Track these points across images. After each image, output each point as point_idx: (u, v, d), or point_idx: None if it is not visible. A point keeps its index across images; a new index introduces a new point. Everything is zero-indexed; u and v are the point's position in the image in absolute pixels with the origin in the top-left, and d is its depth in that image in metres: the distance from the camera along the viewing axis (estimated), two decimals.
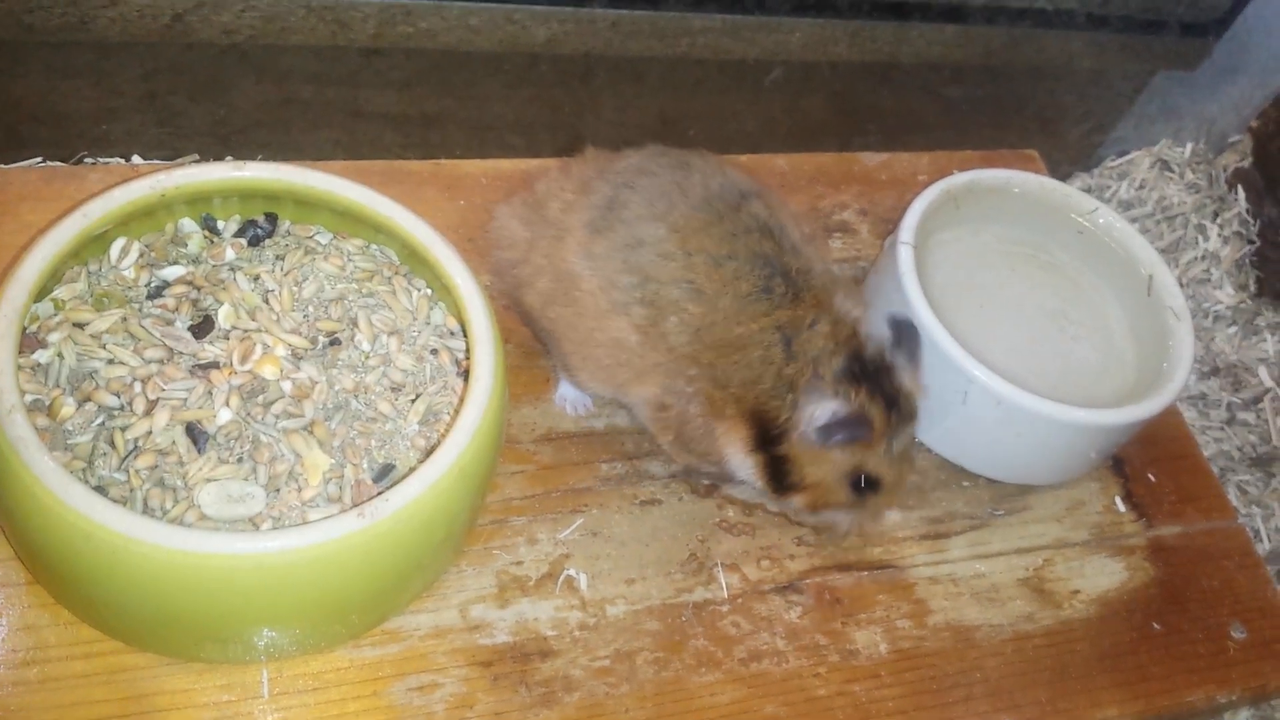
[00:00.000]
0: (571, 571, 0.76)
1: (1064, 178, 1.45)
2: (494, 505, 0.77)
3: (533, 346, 0.86)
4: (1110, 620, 0.83)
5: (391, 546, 0.63)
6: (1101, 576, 0.85)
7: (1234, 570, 0.89)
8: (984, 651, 0.79)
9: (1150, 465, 0.92)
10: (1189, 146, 1.48)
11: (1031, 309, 0.94)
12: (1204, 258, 1.37)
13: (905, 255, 0.86)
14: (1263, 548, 1.13)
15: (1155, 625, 0.84)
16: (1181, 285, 0.93)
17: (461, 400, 0.69)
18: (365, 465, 0.69)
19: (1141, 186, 1.43)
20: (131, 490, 0.64)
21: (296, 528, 0.61)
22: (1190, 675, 0.82)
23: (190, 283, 0.73)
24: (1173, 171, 1.45)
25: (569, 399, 0.84)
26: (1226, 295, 1.34)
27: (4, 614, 0.66)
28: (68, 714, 0.64)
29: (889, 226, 1.01)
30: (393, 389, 0.72)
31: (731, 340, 0.72)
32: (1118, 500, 0.90)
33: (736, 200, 0.75)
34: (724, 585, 0.78)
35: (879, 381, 0.72)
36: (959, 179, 0.93)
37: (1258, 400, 1.25)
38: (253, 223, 0.77)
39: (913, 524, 0.84)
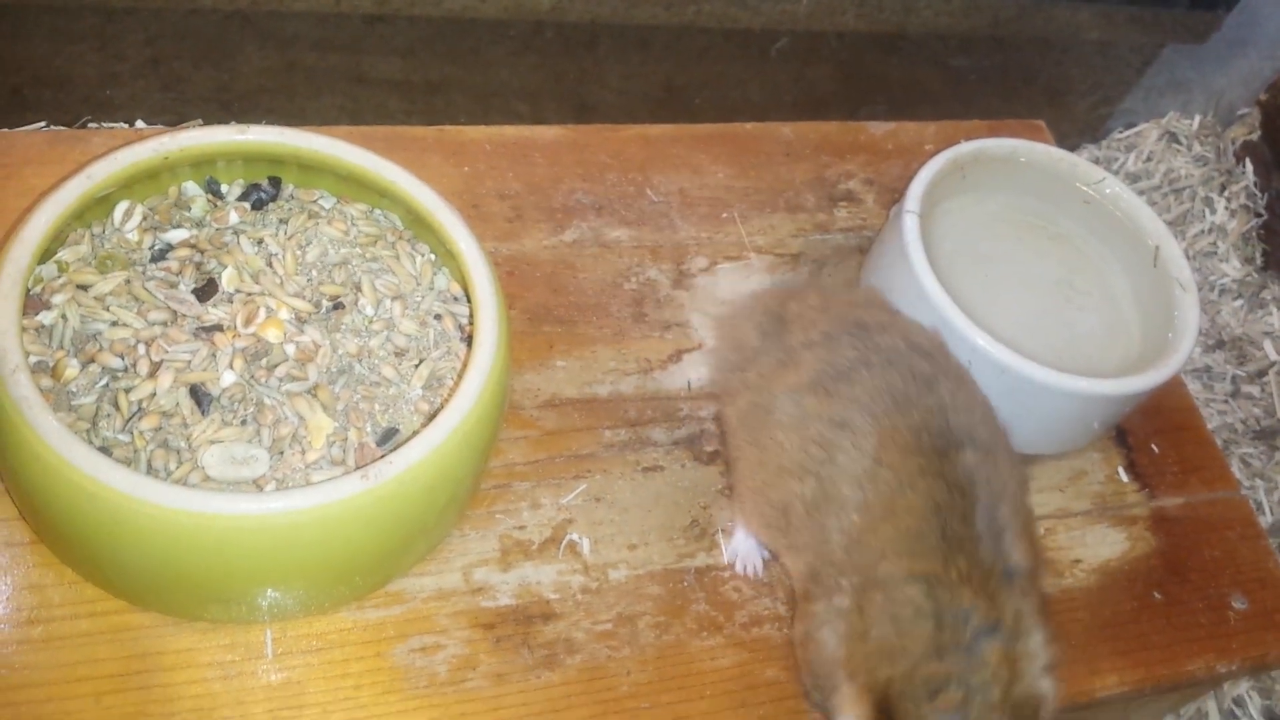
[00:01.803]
0: (574, 536, 0.76)
1: (1071, 149, 1.44)
2: (497, 470, 0.77)
3: (537, 313, 0.86)
4: (1111, 589, 0.83)
5: (394, 509, 0.64)
6: (1103, 546, 0.85)
7: (1236, 541, 0.89)
8: None
9: (1154, 436, 0.92)
10: (1197, 119, 1.47)
11: (1037, 279, 0.93)
12: (1210, 231, 1.37)
13: (911, 224, 0.85)
14: (1265, 520, 1.13)
15: (1156, 595, 0.84)
16: (1188, 258, 0.92)
17: (465, 365, 0.69)
18: (369, 429, 0.69)
19: (1149, 159, 1.42)
20: (135, 451, 0.65)
21: (300, 489, 0.61)
22: (1191, 645, 0.82)
23: (194, 246, 0.73)
24: (1180, 144, 1.44)
25: (740, 554, 0.78)
26: (1233, 268, 1.34)
27: (8, 573, 0.66)
28: (71, 672, 0.64)
29: (895, 196, 1.00)
30: (396, 354, 0.72)
31: (876, 573, 0.64)
32: (1120, 470, 0.90)
33: (947, 445, 0.66)
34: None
35: None
36: (965, 148, 0.93)
37: (1262, 374, 1.25)
38: (256, 186, 0.77)
39: None
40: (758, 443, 0.72)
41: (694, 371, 0.86)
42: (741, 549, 0.78)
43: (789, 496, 0.69)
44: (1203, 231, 1.37)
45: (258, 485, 0.65)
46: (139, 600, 0.66)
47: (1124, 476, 0.89)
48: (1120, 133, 1.46)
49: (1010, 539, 0.64)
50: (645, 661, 0.72)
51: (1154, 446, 0.92)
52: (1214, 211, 1.38)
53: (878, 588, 0.63)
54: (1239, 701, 1.04)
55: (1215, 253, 1.35)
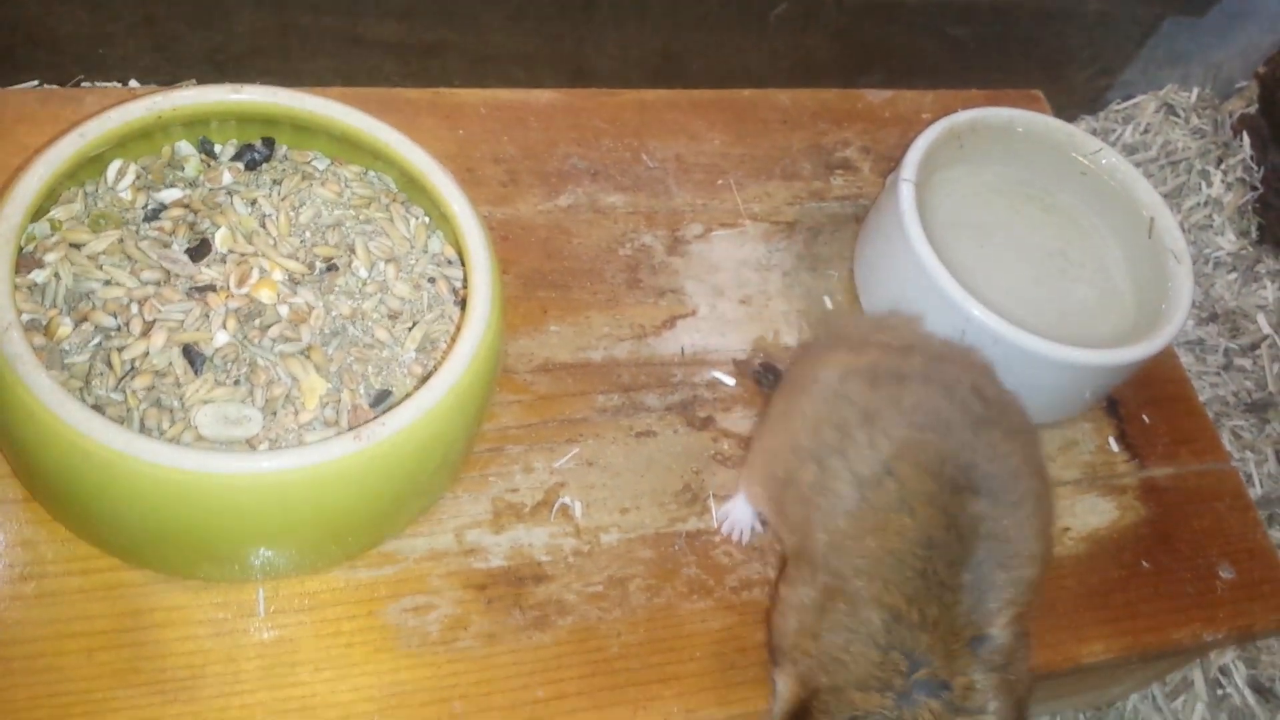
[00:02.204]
0: (566, 499, 0.76)
1: (1069, 120, 1.43)
2: (490, 434, 0.77)
3: (531, 278, 0.86)
4: (1100, 558, 0.84)
5: (387, 470, 0.64)
6: (1092, 515, 0.86)
7: (1225, 512, 0.89)
8: None
9: (1145, 407, 0.92)
10: (1195, 91, 1.47)
11: (1032, 249, 0.93)
12: (1206, 203, 1.37)
13: (907, 192, 0.85)
14: (1255, 492, 1.14)
15: (1144, 564, 0.84)
16: (1183, 230, 0.92)
17: (458, 328, 0.69)
18: (362, 390, 0.69)
19: (1146, 131, 1.42)
20: (129, 410, 0.65)
21: (293, 449, 0.61)
22: (1178, 614, 0.83)
23: (187, 206, 0.73)
24: (1178, 116, 1.44)
25: (732, 518, 0.77)
26: (1228, 241, 1.34)
27: (1, 530, 0.66)
28: (64, 628, 0.64)
29: (892, 165, 1.00)
30: (390, 316, 0.72)
31: (847, 584, 0.63)
32: (1111, 440, 0.90)
33: (965, 485, 0.63)
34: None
35: None
36: (962, 117, 0.93)
37: (1255, 346, 1.25)
38: (250, 147, 0.77)
39: None
40: (787, 410, 0.70)
41: (688, 338, 0.86)
42: (735, 514, 0.78)
43: (794, 472, 0.67)
44: (1198, 204, 1.37)
45: (251, 445, 0.65)
46: (132, 558, 0.66)
47: (1114, 446, 0.90)
48: (1118, 105, 1.46)
49: (994, 607, 0.61)
50: (636, 623, 0.73)
51: (1145, 417, 0.92)
52: (1210, 184, 1.38)
53: (844, 598, 0.62)
54: (1225, 671, 1.05)
55: (1211, 226, 1.35)
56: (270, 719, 0.64)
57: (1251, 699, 1.04)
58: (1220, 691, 1.04)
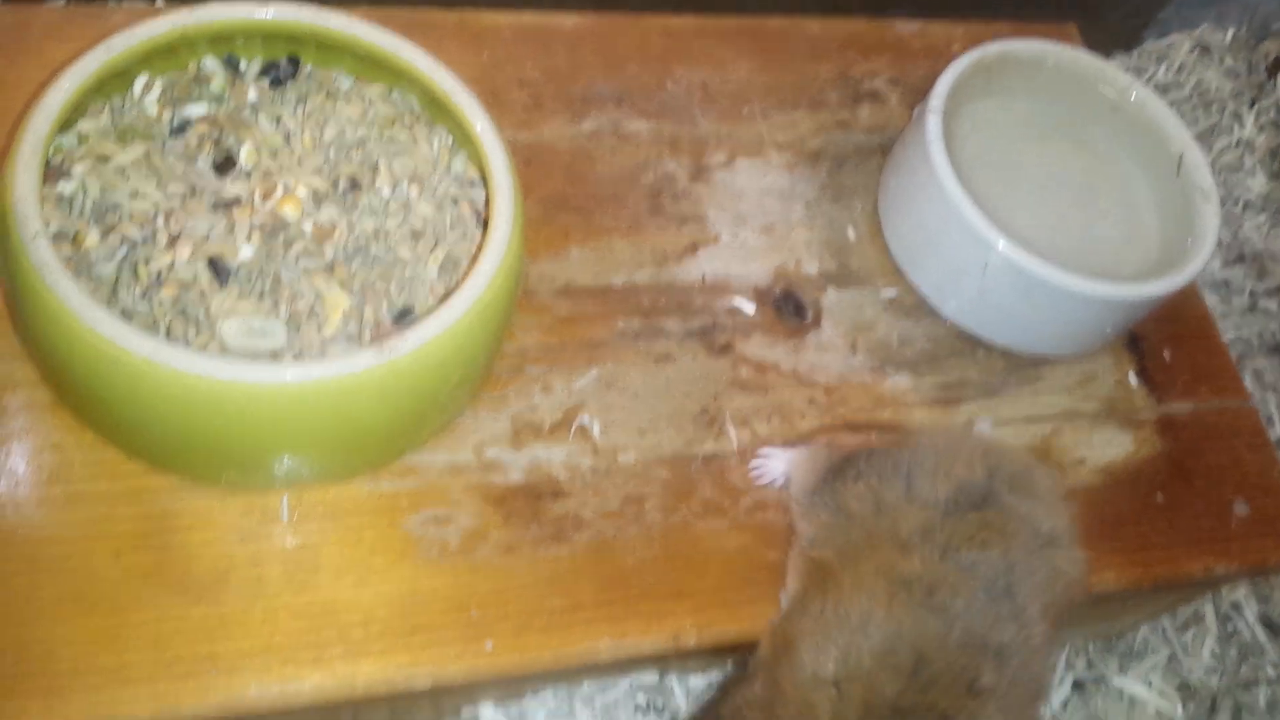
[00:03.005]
0: (585, 420, 0.77)
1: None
2: (510, 354, 0.78)
3: (554, 202, 0.86)
4: (1114, 490, 0.84)
5: (408, 384, 0.65)
6: (1109, 448, 0.86)
7: (1243, 449, 0.89)
8: None
9: (1166, 343, 0.92)
10: (1230, 32, 1.44)
11: (1059, 184, 0.93)
12: (1238, 145, 1.35)
13: (934, 124, 0.85)
14: (1274, 433, 1.14)
15: (1159, 497, 0.85)
16: (1213, 171, 0.91)
17: (480, 248, 0.70)
18: (384, 307, 0.70)
19: (1180, 70, 1.40)
20: (155, 320, 0.66)
21: (316, 361, 0.62)
22: (1190, 547, 0.83)
23: (212, 121, 0.73)
24: (1212, 57, 1.42)
25: (767, 465, 0.78)
26: (1258, 183, 1.32)
27: (30, 434, 0.68)
28: (92, 530, 0.66)
29: (920, 96, 0.99)
30: (413, 235, 0.73)
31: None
32: (1131, 375, 0.90)
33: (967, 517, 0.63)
34: (734, 439, 0.79)
35: None
36: (992, 49, 0.92)
37: None
38: (275, 64, 0.77)
39: (924, 390, 0.84)
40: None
41: (709, 265, 0.86)
42: (771, 465, 0.78)
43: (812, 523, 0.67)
44: (1230, 145, 1.35)
45: (275, 358, 0.66)
46: (158, 463, 0.68)
47: (1134, 381, 0.90)
48: (1152, 43, 1.44)
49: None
50: (651, 540, 0.74)
51: (1166, 354, 0.92)
52: (1242, 126, 1.36)
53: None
54: (1236, 606, 1.05)
55: (1241, 167, 1.34)
56: (293, 621, 0.66)
57: (1262, 635, 1.05)
58: (1230, 626, 1.05)
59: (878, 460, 0.68)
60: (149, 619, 0.64)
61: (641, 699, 0.84)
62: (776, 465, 0.78)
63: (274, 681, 0.65)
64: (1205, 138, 1.35)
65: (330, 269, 0.69)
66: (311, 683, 0.65)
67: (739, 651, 0.80)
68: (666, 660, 0.81)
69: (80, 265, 0.66)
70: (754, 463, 0.78)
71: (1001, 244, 0.80)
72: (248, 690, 0.64)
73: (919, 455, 0.67)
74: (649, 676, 0.84)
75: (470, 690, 0.78)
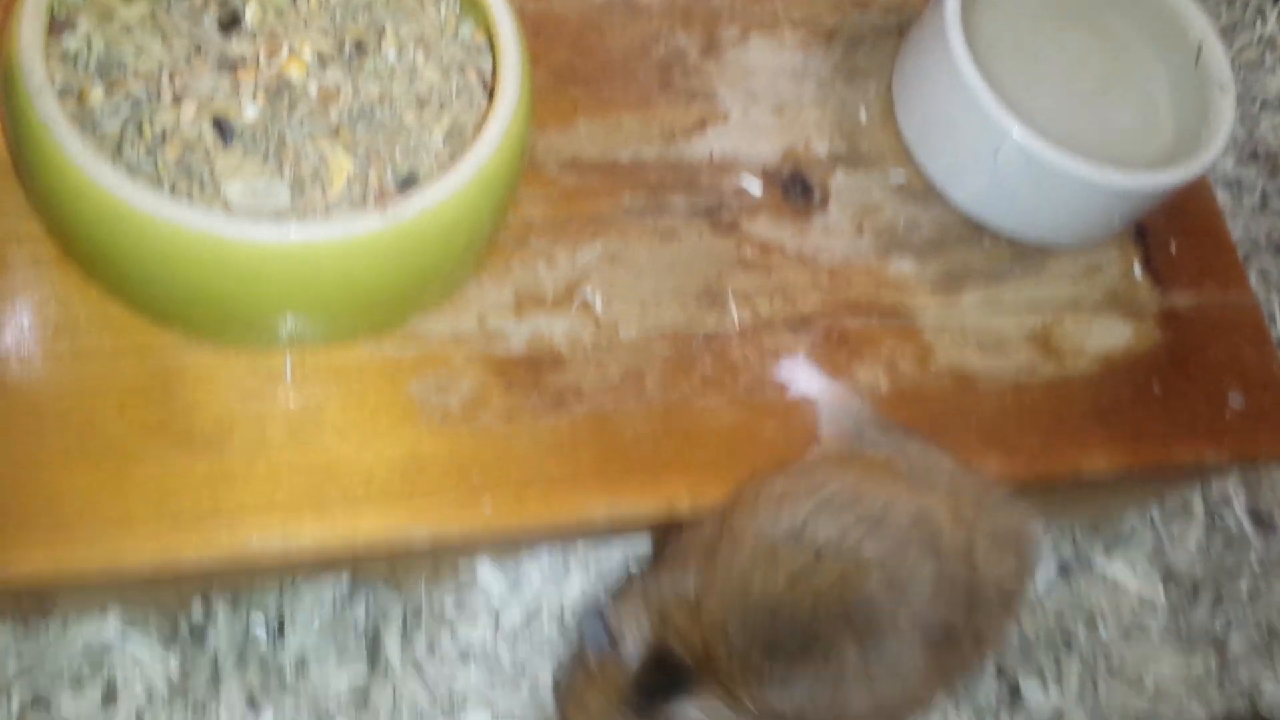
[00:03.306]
0: (588, 293, 0.77)
1: None
2: (515, 225, 0.78)
3: (562, 74, 0.85)
4: (1111, 379, 0.85)
5: (411, 249, 0.65)
6: (1109, 337, 0.86)
7: (1242, 343, 0.90)
8: (983, 397, 0.81)
9: (1174, 236, 0.92)
10: None
11: (1075, 72, 0.91)
12: (1260, 41, 1.32)
13: (952, 6, 0.83)
14: (1276, 332, 1.14)
15: (1156, 387, 0.85)
16: (1233, 67, 0.90)
17: (486, 114, 0.69)
18: (389, 173, 0.70)
19: None
20: (159, 178, 0.66)
21: (321, 221, 0.62)
22: (1183, 436, 0.84)
23: None
24: None
25: (802, 378, 0.79)
26: (1277, 82, 1.30)
27: (35, 289, 0.69)
28: (95, 384, 0.67)
29: None
30: (418, 101, 0.72)
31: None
32: (1136, 266, 0.90)
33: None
34: (736, 319, 0.80)
35: None
36: None
37: None
38: None
39: (928, 275, 0.85)
40: None
41: (717, 143, 0.85)
42: (799, 379, 0.79)
43: None
44: (1251, 42, 1.33)
45: (279, 219, 0.66)
46: (163, 319, 0.68)
47: (1139, 273, 0.90)
48: None
49: None
50: (650, 414, 0.75)
51: (1173, 247, 0.92)
52: (1265, 22, 1.33)
53: None
54: (1225, 498, 1.07)
55: (1262, 64, 1.31)
56: (296, 477, 0.67)
57: (1249, 527, 1.07)
58: (1218, 518, 1.07)
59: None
60: (153, 472, 0.66)
61: (634, 568, 0.86)
62: (805, 382, 0.78)
63: (276, 533, 0.66)
64: (1226, 33, 1.33)
65: (335, 132, 0.69)
66: (312, 535, 0.67)
67: None
68: (660, 525, 0.83)
69: (85, 121, 0.66)
70: (783, 366, 0.79)
71: (1015, 130, 0.79)
72: (250, 541, 0.66)
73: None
74: (643, 545, 0.86)
75: (468, 549, 0.80)
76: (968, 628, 0.70)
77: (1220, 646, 1.02)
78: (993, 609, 0.72)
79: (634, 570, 0.85)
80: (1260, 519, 1.08)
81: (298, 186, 0.67)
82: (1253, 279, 1.15)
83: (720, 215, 0.83)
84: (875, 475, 0.70)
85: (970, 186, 0.85)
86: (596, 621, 0.69)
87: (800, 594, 0.65)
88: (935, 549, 0.67)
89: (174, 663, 0.80)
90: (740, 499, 0.70)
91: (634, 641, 0.68)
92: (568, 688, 0.74)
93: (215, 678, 0.80)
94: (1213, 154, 0.83)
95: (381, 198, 0.68)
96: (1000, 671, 0.95)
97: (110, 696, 0.79)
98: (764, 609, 0.65)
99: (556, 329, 0.76)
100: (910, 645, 0.68)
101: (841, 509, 0.67)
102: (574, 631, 0.82)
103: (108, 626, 0.80)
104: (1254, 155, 1.25)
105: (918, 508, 0.68)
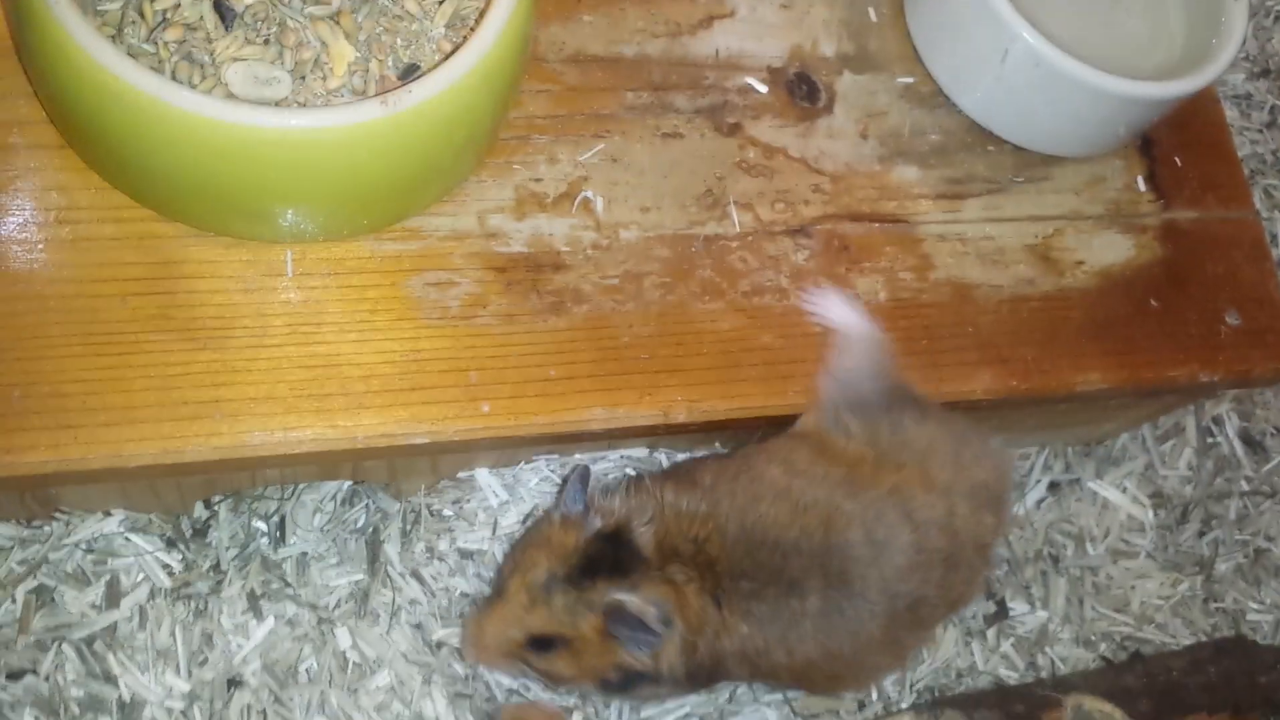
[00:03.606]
0: (589, 194, 0.77)
1: None
2: (517, 121, 0.77)
3: None
4: (1109, 293, 0.85)
5: (412, 140, 0.64)
6: (1108, 251, 0.86)
7: (1242, 260, 0.89)
8: (980, 309, 0.81)
9: (1179, 150, 0.91)
10: None
11: None
12: None
13: None
14: (1276, 252, 1.14)
15: (1153, 302, 0.85)
16: None
17: (488, 4, 0.68)
18: (390, 62, 0.69)
19: None
20: (160, 61, 0.65)
21: (321, 109, 0.62)
22: (1178, 353, 0.85)
23: None
24: None
25: (835, 303, 0.79)
26: None
27: (36, 175, 0.68)
28: (97, 273, 0.67)
29: None
30: None
31: None
32: (1139, 180, 0.89)
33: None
34: (736, 222, 0.79)
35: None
36: None
37: None
38: None
39: (930, 182, 0.84)
40: None
41: (723, 40, 0.84)
42: (829, 307, 0.78)
43: None
44: None
45: (280, 106, 0.65)
46: (165, 209, 0.68)
47: (1142, 186, 0.89)
48: None
49: None
50: (648, 317, 0.75)
51: (1177, 160, 0.91)
52: None
53: None
54: (1217, 420, 1.07)
55: None
56: (296, 371, 0.68)
57: (1240, 450, 1.07)
58: (1210, 440, 1.07)
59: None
60: (155, 362, 0.66)
61: (631, 470, 0.87)
62: (834, 309, 0.78)
63: (277, 428, 0.67)
64: None
65: (336, 18, 0.68)
66: (313, 431, 0.67)
67: (727, 430, 0.83)
68: (657, 435, 0.83)
69: (85, 3, 0.65)
70: (812, 295, 0.78)
71: (1023, 33, 0.78)
72: (251, 435, 0.67)
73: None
74: (639, 450, 0.86)
75: (467, 453, 0.81)
76: (942, 594, 0.74)
77: (1207, 568, 1.03)
78: (972, 567, 0.76)
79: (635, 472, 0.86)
80: (1252, 442, 1.08)
81: (299, 74, 0.67)
82: (1257, 198, 1.15)
83: (724, 115, 0.82)
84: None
85: (977, 91, 0.84)
86: (579, 485, 0.72)
87: (791, 529, 0.70)
88: (912, 520, 0.72)
89: (176, 563, 0.81)
90: (769, 449, 0.75)
91: (604, 516, 0.71)
92: (524, 538, 0.77)
93: (217, 578, 0.81)
94: (1223, 63, 0.83)
95: (383, 87, 0.67)
96: (987, 589, 0.96)
97: (113, 594, 0.79)
98: (758, 532, 0.70)
99: (557, 230, 0.75)
100: (873, 611, 0.72)
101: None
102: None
103: (111, 526, 0.80)
104: (1265, 71, 1.23)
105: (892, 483, 0.73)
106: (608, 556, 0.70)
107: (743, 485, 0.72)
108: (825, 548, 0.70)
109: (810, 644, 0.71)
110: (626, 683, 0.72)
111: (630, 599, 0.68)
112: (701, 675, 0.73)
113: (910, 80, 0.86)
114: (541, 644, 0.71)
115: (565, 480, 0.74)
